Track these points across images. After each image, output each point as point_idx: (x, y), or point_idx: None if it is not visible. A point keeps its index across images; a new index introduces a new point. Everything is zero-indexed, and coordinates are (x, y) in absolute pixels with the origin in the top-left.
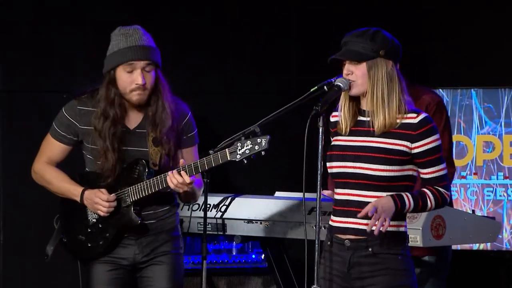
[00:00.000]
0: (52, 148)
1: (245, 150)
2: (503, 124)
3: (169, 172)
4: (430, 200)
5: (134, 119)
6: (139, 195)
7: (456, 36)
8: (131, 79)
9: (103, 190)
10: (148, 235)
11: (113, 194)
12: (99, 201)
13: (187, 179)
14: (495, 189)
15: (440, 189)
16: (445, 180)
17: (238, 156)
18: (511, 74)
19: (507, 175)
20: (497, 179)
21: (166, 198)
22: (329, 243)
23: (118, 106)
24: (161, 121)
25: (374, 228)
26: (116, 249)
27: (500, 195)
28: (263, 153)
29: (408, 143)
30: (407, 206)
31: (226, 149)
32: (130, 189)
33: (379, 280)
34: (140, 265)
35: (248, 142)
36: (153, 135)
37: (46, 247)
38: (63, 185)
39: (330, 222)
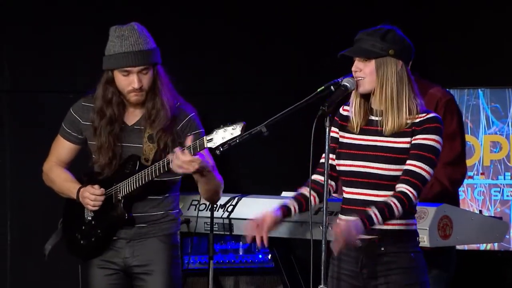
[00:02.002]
0: (60, 147)
1: (221, 137)
2: (510, 124)
3: (169, 155)
4: (398, 210)
5: (132, 116)
6: (129, 189)
7: (463, 35)
8: (128, 82)
9: (96, 186)
10: (139, 239)
11: (101, 189)
12: (87, 195)
13: (188, 157)
14: (502, 189)
15: (408, 192)
16: (420, 181)
17: (214, 144)
18: None
19: None
20: (504, 179)
21: (160, 202)
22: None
23: (116, 105)
24: (157, 118)
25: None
26: (109, 252)
27: (508, 195)
28: (238, 140)
29: (411, 139)
30: (376, 223)
31: (204, 137)
32: (122, 184)
33: (392, 279)
34: (131, 270)
35: (225, 129)
36: (149, 132)
37: (45, 246)
38: (64, 184)
39: (339, 221)
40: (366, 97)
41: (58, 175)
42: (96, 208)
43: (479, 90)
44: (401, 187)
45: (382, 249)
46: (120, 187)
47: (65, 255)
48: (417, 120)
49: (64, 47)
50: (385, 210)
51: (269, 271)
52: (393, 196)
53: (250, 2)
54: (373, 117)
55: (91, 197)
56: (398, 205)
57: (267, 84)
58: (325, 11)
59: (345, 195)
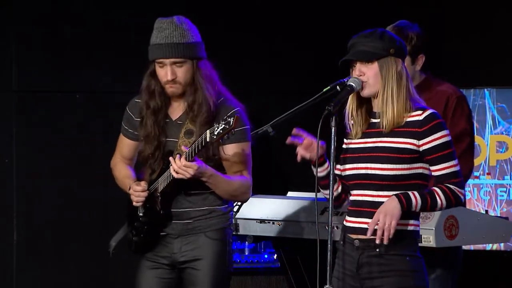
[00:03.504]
0: (121, 144)
1: (220, 130)
2: None
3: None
4: (440, 198)
5: (176, 110)
6: (163, 185)
7: (469, 36)
8: (163, 73)
9: (142, 182)
10: (187, 235)
11: (143, 185)
12: (132, 192)
13: (183, 161)
14: (509, 189)
15: (452, 186)
16: (458, 177)
17: (214, 137)
18: None
19: None
20: (511, 179)
21: (206, 197)
22: (342, 242)
23: (159, 96)
24: (196, 113)
25: (382, 237)
26: (159, 247)
27: None
28: (233, 131)
29: (415, 141)
30: (414, 204)
31: (207, 131)
32: (159, 179)
33: (386, 281)
34: (179, 265)
35: (222, 123)
36: (187, 127)
37: (110, 242)
38: (123, 180)
39: (344, 222)
40: (365, 101)
41: (119, 172)
42: (139, 204)
43: (485, 90)
44: (443, 184)
45: (377, 250)
46: (158, 183)
47: (72, 254)
48: (414, 118)
49: (71, 48)
50: (427, 195)
51: (275, 271)
52: (435, 186)
53: (261, 2)
54: (374, 120)
55: (134, 193)
56: (441, 193)
57: (277, 84)
58: (334, 11)
59: (351, 198)
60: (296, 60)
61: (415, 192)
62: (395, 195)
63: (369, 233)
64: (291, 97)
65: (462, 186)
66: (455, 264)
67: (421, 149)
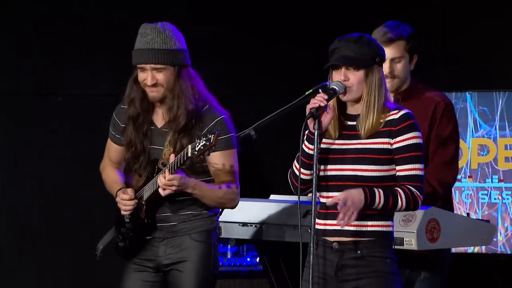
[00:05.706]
0: (109, 148)
1: (201, 146)
2: (497, 127)
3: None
4: (401, 200)
5: (162, 118)
6: (148, 193)
7: (451, 39)
8: (143, 78)
9: (129, 189)
10: (173, 238)
11: (130, 194)
12: (119, 200)
13: (167, 176)
14: (490, 192)
15: (413, 189)
16: (420, 181)
17: (195, 152)
18: (506, 77)
19: (501, 178)
20: (492, 182)
21: (192, 203)
22: (315, 245)
23: (139, 102)
24: (174, 120)
25: (341, 221)
26: (145, 250)
27: (495, 198)
28: (213, 148)
29: (389, 139)
30: (377, 203)
31: (189, 146)
32: (144, 188)
33: (366, 282)
34: (164, 268)
35: (203, 139)
36: (171, 136)
37: (97, 245)
38: (111, 185)
39: (316, 225)
40: (342, 103)
41: (108, 175)
42: (128, 212)
43: (467, 93)
44: (405, 186)
45: (359, 252)
46: (143, 191)
47: (57, 258)
48: (390, 118)
49: (66, 50)
50: (390, 195)
51: (257, 275)
52: (398, 187)
53: (256, 4)
54: (350, 122)
55: (121, 201)
56: (403, 195)
57: (277, 84)
58: (334, 11)
59: (324, 200)
60: (296, 60)
61: (380, 191)
62: (362, 189)
63: (331, 201)
64: (290, 97)
65: (422, 191)
66: (443, 267)
67: (392, 147)
